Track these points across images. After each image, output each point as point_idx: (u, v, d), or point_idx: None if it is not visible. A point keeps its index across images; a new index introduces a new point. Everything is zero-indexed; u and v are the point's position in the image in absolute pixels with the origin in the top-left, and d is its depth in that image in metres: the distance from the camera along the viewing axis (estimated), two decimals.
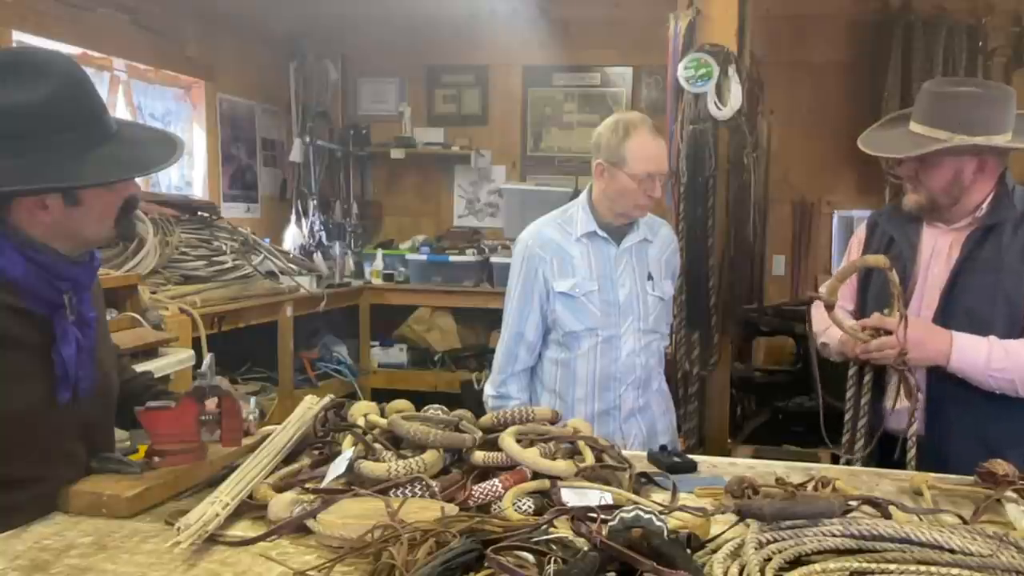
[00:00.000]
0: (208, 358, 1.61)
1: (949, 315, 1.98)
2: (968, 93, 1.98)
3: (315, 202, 5.64)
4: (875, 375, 2.07)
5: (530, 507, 1.39)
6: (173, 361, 2.93)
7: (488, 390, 2.49)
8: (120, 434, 1.77)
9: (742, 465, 1.80)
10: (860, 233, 2.31)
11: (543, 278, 2.38)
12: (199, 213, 4.02)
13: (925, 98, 2.02)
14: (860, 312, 2.22)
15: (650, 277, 2.41)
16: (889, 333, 1.93)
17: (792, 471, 1.67)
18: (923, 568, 1.08)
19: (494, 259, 5.16)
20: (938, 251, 2.07)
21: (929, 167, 1.99)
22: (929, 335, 1.94)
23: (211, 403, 1.58)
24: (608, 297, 2.36)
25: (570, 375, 2.39)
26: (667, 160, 2.41)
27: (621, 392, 2.38)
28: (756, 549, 1.13)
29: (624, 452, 1.68)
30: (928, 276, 2.06)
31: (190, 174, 5.04)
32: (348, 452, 1.49)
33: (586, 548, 1.13)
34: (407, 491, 1.39)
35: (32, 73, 1.41)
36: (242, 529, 1.35)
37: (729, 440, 3.66)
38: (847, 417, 2.13)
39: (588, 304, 2.36)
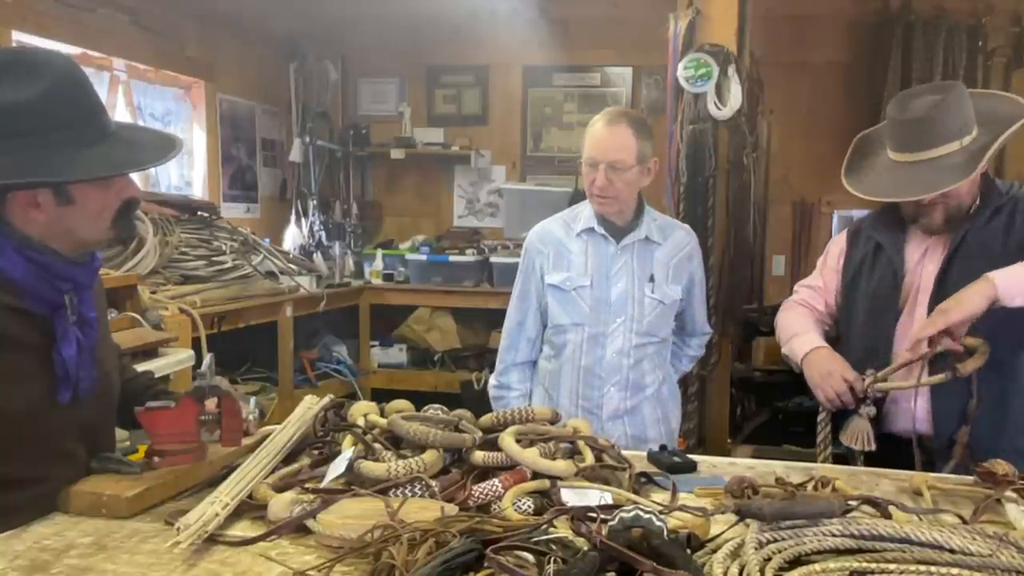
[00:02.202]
0: (208, 358, 1.61)
1: (943, 299, 1.94)
2: (946, 100, 1.97)
3: (315, 202, 5.64)
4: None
5: (530, 507, 1.39)
6: (173, 361, 2.92)
7: (491, 381, 2.54)
8: (120, 434, 1.77)
9: (742, 465, 1.79)
10: (840, 242, 2.28)
11: (539, 271, 2.41)
12: (199, 213, 4.02)
13: (914, 125, 1.98)
14: (844, 304, 2.22)
15: (652, 279, 2.37)
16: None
17: (792, 471, 1.67)
18: (923, 568, 1.08)
19: (494, 259, 5.16)
20: (931, 249, 2.09)
21: None
22: (962, 293, 1.84)
23: (211, 403, 1.58)
24: (600, 294, 2.35)
25: (557, 370, 2.40)
26: (619, 151, 2.22)
27: (605, 392, 2.35)
28: (756, 549, 1.13)
29: (624, 452, 1.68)
30: (923, 274, 2.06)
31: (190, 174, 5.04)
32: (348, 452, 1.49)
33: (586, 548, 1.13)
34: (407, 491, 1.39)
35: (29, 71, 1.40)
36: (242, 529, 1.35)
37: (729, 440, 3.67)
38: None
39: (579, 299, 2.36)
